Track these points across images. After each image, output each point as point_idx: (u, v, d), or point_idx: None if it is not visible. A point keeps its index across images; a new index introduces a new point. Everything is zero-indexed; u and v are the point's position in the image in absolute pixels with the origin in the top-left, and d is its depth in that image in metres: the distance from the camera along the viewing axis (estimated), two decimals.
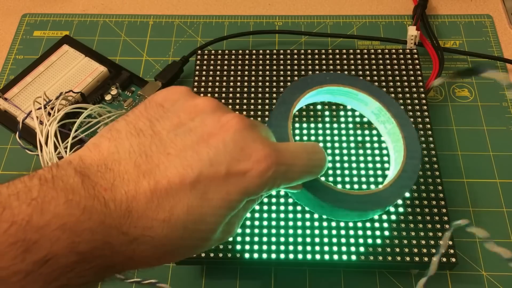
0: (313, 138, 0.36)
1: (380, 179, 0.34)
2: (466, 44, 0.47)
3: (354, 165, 0.35)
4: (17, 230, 0.16)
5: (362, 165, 0.35)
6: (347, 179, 0.35)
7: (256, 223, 0.33)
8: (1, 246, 0.16)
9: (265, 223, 0.33)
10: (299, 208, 0.33)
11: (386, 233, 0.32)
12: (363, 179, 0.35)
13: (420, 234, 0.32)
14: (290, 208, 0.34)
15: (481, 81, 0.45)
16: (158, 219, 0.19)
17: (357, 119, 0.37)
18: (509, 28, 0.48)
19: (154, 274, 0.35)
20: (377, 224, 0.33)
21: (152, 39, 0.49)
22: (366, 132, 0.36)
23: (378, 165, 0.35)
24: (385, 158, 0.35)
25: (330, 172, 0.35)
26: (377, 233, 0.32)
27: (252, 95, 0.39)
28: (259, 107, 0.39)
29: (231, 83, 0.40)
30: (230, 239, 0.32)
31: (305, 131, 0.37)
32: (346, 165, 0.35)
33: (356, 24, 0.50)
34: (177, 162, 0.20)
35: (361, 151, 0.35)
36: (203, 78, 0.41)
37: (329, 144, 0.36)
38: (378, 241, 0.32)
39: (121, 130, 0.21)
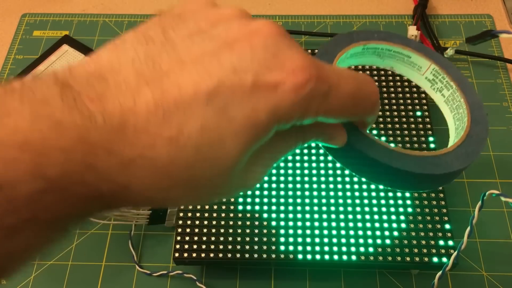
0: None
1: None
2: (466, 44, 0.47)
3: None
4: None
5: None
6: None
7: (256, 223, 0.33)
8: None
9: (265, 223, 0.33)
10: (299, 208, 0.33)
11: (386, 233, 0.32)
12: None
13: (420, 234, 0.32)
14: (290, 208, 0.34)
15: (481, 81, 0.45)
16: (163, 136, 0.15)
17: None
18: (509, 28, 0.48)
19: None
20: (377, 224, 0.33)
21: None
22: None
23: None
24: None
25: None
26: (377, 233, 0.32)
27: None
28: None
29: None
30: (230, 238, 0.32)
31: None
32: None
33: (356, 24, 0.50)
34: (191, 69, 0.16)
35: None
36: None
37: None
38: (378, 241, 0.32)
39: (127, 40, 0.17)
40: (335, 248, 0.32)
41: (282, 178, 0.35)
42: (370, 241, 0.32)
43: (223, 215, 0.34)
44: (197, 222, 0.33)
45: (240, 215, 0.33)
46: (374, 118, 0.22)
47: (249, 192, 0.34)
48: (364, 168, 0.24)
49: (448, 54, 0.41)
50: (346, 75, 0.19)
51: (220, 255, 0.32)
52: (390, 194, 0.34)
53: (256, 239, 0.32)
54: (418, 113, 0.37)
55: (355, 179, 0.35)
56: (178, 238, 0.33)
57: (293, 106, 0.17)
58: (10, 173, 0.13)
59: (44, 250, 0.15)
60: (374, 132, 0.36)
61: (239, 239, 0.32)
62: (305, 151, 0.36)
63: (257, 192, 0.34)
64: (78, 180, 0.14)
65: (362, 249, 0.32)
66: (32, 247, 0.15)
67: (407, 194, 0.34)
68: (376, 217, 0.33)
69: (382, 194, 0.34)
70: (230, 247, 0.32)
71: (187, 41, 0.17)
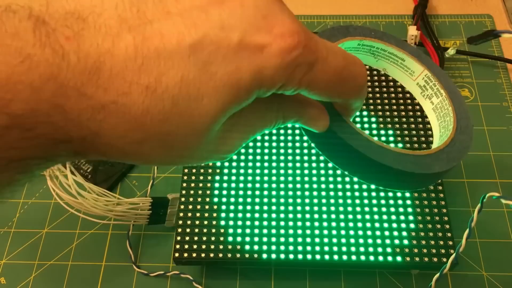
0: None
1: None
2: (467, 44, 0.47)
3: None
4: None
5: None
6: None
7: (256, 223, 0.33)
8: None
9: (265, 223, 0.33)
10: (299, 208, 0.33)
11: (386, 233, 0.32)
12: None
13: (420, 234, 0.32)
14: (290, 208, 0.34)
15: (481, 81, 0.45)
16: (140, 83, 0.14)
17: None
18: (509, 28, 0.48)
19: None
20: (377, 224, 0.33)
21: None
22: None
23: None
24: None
25: None
26: (377, 233, 0.32)
27: None
28: None
29: None
30: (230, 238, 0.32)
31: None
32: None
33: (356, 24, 0.50)
34: (177, 20, 0.15)
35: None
36: None
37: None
38: (378, 241, 0.32)
39: None
40: (335, 248, 0.32)
41: (282, 178, 0.35)
42: (370, 241, 0.32)
43: (223, 215, 0.34)
44: (197, 222, 0.33)
45: (240, 215, 0.33)
46: (359, 104, 0.21)
47: (249, 192, 0.34)
48: (341, 156, 0.23)
49: (449, 53, 0.40)
50: (336, 51, 0.18)
51: (220, 255, 0.32)
52: (390, 194, 0.34)
53: (256, 239, 0.32)
54: (418, 113, 0.37)
55: (355, 179, 0.35)
56: (178, 238, 0.33)
57: (277, 70, 0.16)
58: None
59: (7, 191, 0.15)
60: (374, 132, 0.36)
61: (239, 239, 0.32)
62: (305, 151, 0.36)
63: (257, 192, 0.34)
64: (45, 120, 0.14)
65: (362, 249, 0.32)
66: None
67: (407, 194, 0.34)
68: (376, 217, 0.33)
69: (382, 194, 0.34)
70: (230, 247, 0.32)
71: None
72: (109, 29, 0.14)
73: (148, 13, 0.15)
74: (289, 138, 0.37)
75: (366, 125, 0.36)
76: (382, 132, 0.35)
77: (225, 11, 0.15)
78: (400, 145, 0.35)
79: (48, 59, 0.13)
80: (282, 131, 0.36)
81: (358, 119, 0.36)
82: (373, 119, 0.36)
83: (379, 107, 0.37)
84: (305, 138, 0.36)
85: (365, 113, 0.35)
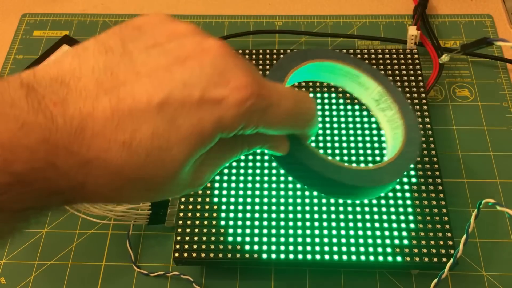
0: None
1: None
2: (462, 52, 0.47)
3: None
4: None
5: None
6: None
7: (256, 223, 0.33)
8: None
9: (265, 223, 0.33)
10: (299, 208, 0.33)
11: (386, 233, 0.32)
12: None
13: (420, 234, 0.32)
14: (290, 208, 0.34)
15: (481, 81, 0.45)
16: (117, 140, 0.17)
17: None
18: (509, 28, 0.48)
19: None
20: (377, 224, 0.33)
21: None
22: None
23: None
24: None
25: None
26: (377, 233, 0.32)
27: None
28: None
29: None
30: (230, 238, 0.32)
31: None
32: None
33: (356, 24, 0.50)
34: (146, 81, 0.18)
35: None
36: None
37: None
38: (379, 241, 0.32)
39: (88, 48, 0.19)
40: (335, 248, 0.32)
41: (282, 178, 0.35)
42: (370, 241, 0.32)
43: (223, 215, 0.34)
44: (197, 222, 0.33)
45: (240, 215, 0.33)
46: (314, 131, 0.24)
47: (249, 192, 0.34)
48: (302, 175, 0.26)
49: (443, 60, 0.41)
50: (286, 94, 0.21)
51: (220, 255, 0.32)
52: (390, 194, 0.34)
53: (256, 239, 0.32)
54: (418, 113, 0.37)
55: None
56: (178, 238, 0.33)
57: (235, 118, 0.18)
58: None
59: (7, 238, 0.17)
60: (374, 132, 0.36)
61: (239, 239, 0.32)
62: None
63: (257, 192, 0.34)
64: (41, 176, 0.16)
65: (362, 249, 0.32)
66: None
67: (407, 194, 0.34)
68: (376, 217, 0.33)
69: (382, 194, 0.34)
70: (230, 247, 0.32)
71: (144, 54, 0.18)
72: (88, 92, 0.17)
73: (120, 75, 0.18)
74: None
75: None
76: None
77: (186, 70, 0.18)
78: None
79: (41, 124, 0.16)
80: None
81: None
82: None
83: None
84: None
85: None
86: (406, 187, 0.34)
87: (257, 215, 0.33)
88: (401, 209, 0.33)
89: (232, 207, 0.34)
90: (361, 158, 0.35)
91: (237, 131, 0.19)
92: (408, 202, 0.34)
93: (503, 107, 0.43)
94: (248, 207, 0.34)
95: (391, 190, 0.34)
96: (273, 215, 0.33)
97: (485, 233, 0.37)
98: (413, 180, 0.34)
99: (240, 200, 0.34)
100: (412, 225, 0.33)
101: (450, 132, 0.42)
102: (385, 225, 0.33)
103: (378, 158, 0.35)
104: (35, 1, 0.53)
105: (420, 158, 0.35)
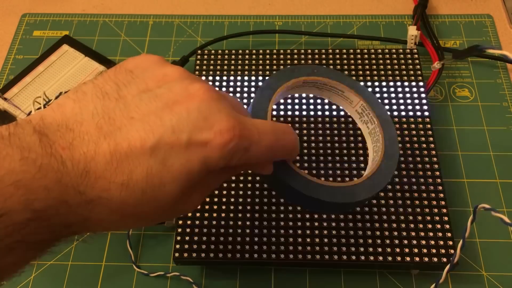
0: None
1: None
2: (467, 44, 0.47)
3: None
4: None
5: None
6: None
7: (256, 223, 0.33)
8: None
9: (265, 223, 0.33)
10: (299, 208, 0.33)
11: (386, 233, 0.32)
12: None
13: (420, 234, 0.32)
14: (290, 208, 0.34)
15: (481, 81, 0.45)
16: (116, 181, 0.19)
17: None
18: (510, 28, 0.48)
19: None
20: (377, 224, 0.33)
21: (152, 39, 0.49)
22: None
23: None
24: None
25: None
26: (377, 233, 0.32)
27: (252, 95, 0.39)
28: None
29: (231, 83, 0.40)
30: (230, 238, 0.32)
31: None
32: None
33: (356, 24, 0.50)
34: (139, 126, 0.20)
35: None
36: (203, 78, 0.41)
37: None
38: (378, 241, 0.32)
39: (87, 92, 0.21)
40: (335, 248, 0.32)
41: None
42: (370, 241, 0.32)
43: (223, 215, 0.34)
44: (197, 222, 0.33)
45: (240, 215, 0.33)
46: (295, 154, 0.26)
47: (249, 192, 0.34)
48: (285, 192, 0.28)
49: (435, 67, 0.41)
50: (267, 131, 0.23)
51: (220, 255, 0.32)
52: (390, 194, 0.34)
53: (256, 239, 0.32)
54: (418, 113, 0.37)
55: (355, 179, 0.35)
56: (178, 238, 0.33)
57: (220, 158, 0.21)
58: (8, 205, 0.17)
59: (27, 265, 0.19)
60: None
61: (239, 239, 0.32)
62: (305, 151, 0.36)
63: (257, 192, 0.34)
64: (55, 212, 0.18)
65: (362, 249, 0.32)
66: (19, 263, 0.18)
67: (407, 194, 0.34)
68: (376, 217, 0.33)
69: (382, 194, 0.34)
70: (230, 247, 0.32)
71: (136, 99, 0.21)
72: (90, 137, 0.19)
73: (117, 120, 0.20)
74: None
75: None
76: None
77: (174, 116, 0.20)
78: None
79: (54, 167, 0.18)
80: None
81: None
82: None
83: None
84: (305, 138, 0.36)
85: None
86: (406, 187, 0.34)
87: (257, 215, 0.33)
88: (401, 209, 0.33)
89: (232, 207, 0.34)
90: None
91: (222, 167, 0.22)
92: (408, 202, 0.34)
93: (503, 107, 0.43)
94: (248, 207, 0.34)
95: (390, 190, 0.34)
96: (273, 215, 0.33)
97: (485, 233, 0.37)
98: (413, 180, 0.34)
99: (240, 200, 0.34)
100: (412, 225, 0.33)
101: (450, 132, 0.42)
102: (385, 225, 0.33)
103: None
104: (35, 1, 0.53)
105: (420, 158, 0.35)
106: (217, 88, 0.33)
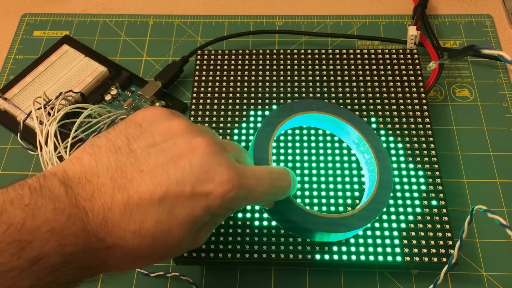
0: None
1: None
2: (466, 44, 0.47)
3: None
4: (14, 231, 0.19)
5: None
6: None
7: (256, 223, 0.33)
8: (1, 244, 0.18)
9: (265, 223, 0.33)
10: None
11: (386, 233, 0.32)
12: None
13: (420, 234, 0.32)
14: None
15: (481, 81, 0.45)
16: (130, 230, 0.21)
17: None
18: (509, 28, 0.48)
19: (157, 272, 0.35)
20: (377, 224, 0.33)
21: (152, 39, 0.49)
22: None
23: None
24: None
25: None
26: (377, 233, 0.32)
27: (252, 95, 0.39)
28: (259, 107, 0.39)
29: (231, 83, 0.40)
30: (231, 238, 0.32)
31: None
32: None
33: (356, 24, 0.50)
34: (148, 179, 0.22)
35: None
36: (203, 78, 0.41)
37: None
38: (378, 241, 0.32)
39: (101, 146, 0.23)
40: (335, 248, 0.32)
41: None
42: (370, 241, 0.32)
43: None
44: None
45: (240, 215, 0.33)
46: (293, 192, 0.30)
47: None
48: (284, 222, 0.31)
49: (431, 67, 0.41)
50: (263, 177, 0.27)
51: (220, 255, 0.32)
52: (390, 194, 0.34)
53: (256, 239, 0.32)
54: (418, 113, 0.37)
55: (355, 179, 0.35)
56: None
57: (221, 206, 0.24)
58: (45, 250, 0.19)
59: None
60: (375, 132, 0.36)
61: (239, 239, 0.32)
62: (305, 151, 0.36)
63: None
64: (81, 256, 0.20)
65: (362, 249, 0.32)
66: None
67: (407, 194, 0.34)
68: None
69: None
70: (230, 247, 0.32)
71: (145, 153, 0.23)
72: (106, 189, 0.22)
73: (128, 173, 0.22)
74: (289, 138, 0.37)
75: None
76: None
77: (179, 171, 0.23)
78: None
79: (79, 216, 0.20)
80: (282, 137, 0.36)
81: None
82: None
83: (387, 107, 0.37)
84: (305, 138, 0.37)
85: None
86: (406, 187, 0.34)
87: (257, 215, 0.33)
88: (401, 209, 0.33)
89: None
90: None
91: (228, 211, 0.25)
92: (408, 202, 0.34)
93: (503, 107, 0.43)
94: (248, 207, 0.34)
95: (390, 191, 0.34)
96: None
97: (485, 233, 0.37)
98: (413, 180, 0.35)
99: None
100: (412, 225, 0.33)
101: (450, 132, 0.42)
102: (385, 225, 0.33)
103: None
104: (35, 1, 0.53)
105: (420, 158, 0.35)
106: (220, 138, 0.35)
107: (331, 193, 0.34)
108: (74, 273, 0.20)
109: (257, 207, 0.33)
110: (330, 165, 0.36)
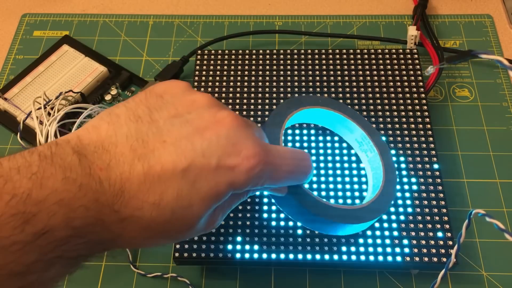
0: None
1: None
2: (466, 44, 0.47)
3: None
4: (18, 202, 0.17)
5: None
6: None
7: (256, 223, 0.33)
8: (2, 216, 0.17)
9: (265, 223, 0.33)
10: None
11: (386, 233, 0.32)
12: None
13: (420, 234, 0.32)
14: None
15: (481, 81, 0.45)
16: (149, 201, 0.20)
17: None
18: (509, 28, 0.48)
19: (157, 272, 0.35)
20: (377, 224, 0.33)
21: (152, 39, 0.49)
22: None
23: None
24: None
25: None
26: (377, 233, 0.32)
27: (252, 95, 0.39)
28: (259, 106, 0.39)
29: (231, 83, 0.40)
30: (230, 238, 0.32)
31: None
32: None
33: (356, 24, 0.50)
34: (171, 150, 0.21)
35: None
36: (203, 78, 0.41)
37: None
38: (378, 241, 0.32)
39: (120, 115, 0.22)
40: (335, 248, 0.32)
41: None
42: (370, 241, 0.32)
43: None
44: None
45: (240, 215, 0.33)
46: (309, 179, 0.28)
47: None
48: (295, 212, 0.30)
49: (429, 72, 0.41)
50: (287, 157, 0.26)
51: (220, 255, 0.32)
52: (396, 189, 0.34)
53: (256, 239, 0.32)
54: (418, 113, 0.37)
55: (355, 179, 0.35)
56: None
57: (246, 181, 0.22)
58: (52, 222, 0.18)
59: (61, 280, 0.20)
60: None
61: (239, 239, 0.32)
62: (305, 151, 0.36)
63: (257, 193, 0.34)
64: (92, 230, 0.19)
65: (362, 249, 0.32)
66: (57, 277, 0.19)
67: (407, 194, 0.34)
68: None
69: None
70: (230, 247, 0.32)
71: (168, 123, 0.22)
72: (125, 158, 0.20)
73: (150, 143, 0.21)
74: (289, 138, 0.37)
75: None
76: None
77: (205, 141, 0.22)
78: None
79: (92, 187, 0.19)
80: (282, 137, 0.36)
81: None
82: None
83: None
84: (305, 138, 0.37)
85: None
86: (406, 187, 0.34)
87: (257, 215, 0.33)
88: (401, 209, 0.33)
89: None
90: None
91: (245, 190, 0.23)
92: (408, 202, 0.34)
93: (503, 107, 0.43)
94: (248, 207, 0.34)
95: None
96: (273, 215, 0.33)
97: (485, 233, 0.37)
98: (413, 180, 0.35)
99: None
100: (412, 225, 0.33)
101: (450, 132, 0.42)
102: (385, 225, 0.33)
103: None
104: (35, 1, 0.53)
105: (420, 158, 0.35)
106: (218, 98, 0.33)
107: (331, 193, 0.34)
108: (83, 248, 0.19)
109: (264, 201, 0.33)
110: (330, 165, 0.36)
